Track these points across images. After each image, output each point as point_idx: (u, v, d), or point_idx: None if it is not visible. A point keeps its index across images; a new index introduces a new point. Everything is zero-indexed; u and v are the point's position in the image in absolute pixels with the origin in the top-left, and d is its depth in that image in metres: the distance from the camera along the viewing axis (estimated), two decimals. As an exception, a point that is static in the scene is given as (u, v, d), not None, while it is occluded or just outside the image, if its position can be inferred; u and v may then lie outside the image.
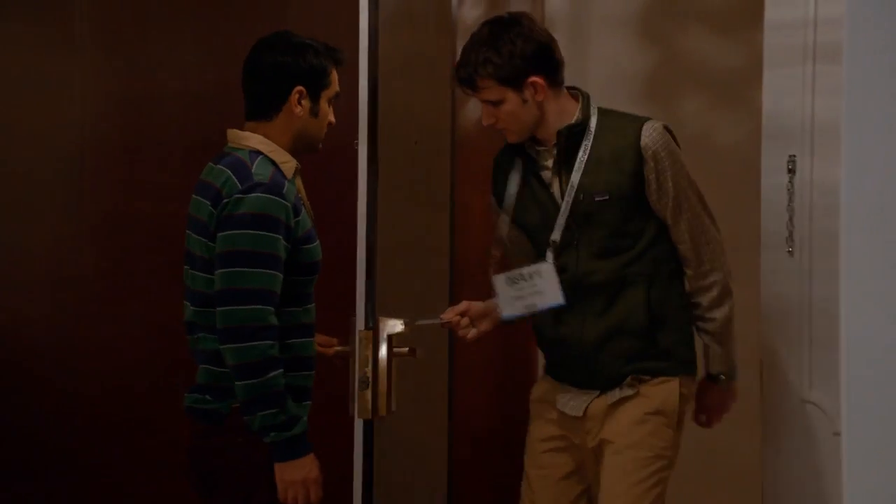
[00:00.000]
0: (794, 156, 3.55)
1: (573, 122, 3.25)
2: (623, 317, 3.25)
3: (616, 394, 3.27)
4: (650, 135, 3.22)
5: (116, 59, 4.54)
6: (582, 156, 3.24)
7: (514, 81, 3.19)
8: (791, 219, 3.36)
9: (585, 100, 3.31)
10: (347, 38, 3.22)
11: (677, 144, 3.29)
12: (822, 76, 3.48)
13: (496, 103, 3.22)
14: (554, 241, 3.25)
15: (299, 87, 3.15)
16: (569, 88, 3.33)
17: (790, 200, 3.37)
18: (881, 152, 1.78)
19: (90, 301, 4.53)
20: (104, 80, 4.55)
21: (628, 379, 3.26)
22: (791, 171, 3.44)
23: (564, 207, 3.23)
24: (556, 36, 5.20)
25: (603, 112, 3.31)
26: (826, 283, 3.05)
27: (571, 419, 3.34)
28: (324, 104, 3.20)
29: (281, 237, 3.03)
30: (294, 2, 4.35)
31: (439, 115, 4.00)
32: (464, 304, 3.36)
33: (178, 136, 4.42)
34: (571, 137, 3.25)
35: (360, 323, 2.90)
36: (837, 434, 3.12)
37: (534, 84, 3.21)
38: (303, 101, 3.16)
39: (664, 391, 3.27)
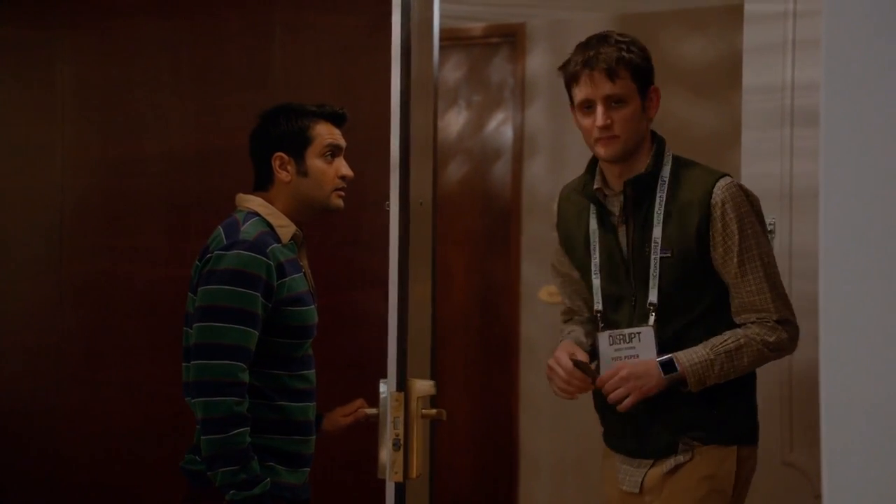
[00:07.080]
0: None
1: (643, 171, 3.08)
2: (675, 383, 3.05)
3: (671, 462, 3.09)
4: (720, 193, 3.02)
5: (98, 125, 4.55)
6: (658, 208, 3.07)
7: (644, 82, 3.05)
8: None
9: (659, 146, 3.14)
10: (325, 98, 3.27)
11: (755, 203, 3.08)
12: (799, 139, 3.50)
13: (619, 102, 3.03)
14: (652, 304, 3.07)
15: (277, 154, 3.17)
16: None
17: (770, 262, 3.37)
18: (860, 216, 1.78)
19: (69, 365, 4.51)
20: (85, 145, 4.56)
21: (682, 443, 3.07)
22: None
23: (653, 263, 3.06)
24: (535, 103, 5.25)
25: (677, 161, 3.14)
26: (806, 346, 3.05)
27: (630, 496, 3.16)
28: (313, 162, 3.20)
29: (259, 295, 3.02)
30: (275, 65, 4.36)
31: (421, 174, 4.01)
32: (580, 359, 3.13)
33: (159, 201, 4.42)
34: (638, 187, 3.09)
35: (391, 385, 2.88)
36: (818, 497, 3.12)
37: (655, 93, 3.08)
38: (288, 167, 3.17)
39: (719, 455, 3.07)
